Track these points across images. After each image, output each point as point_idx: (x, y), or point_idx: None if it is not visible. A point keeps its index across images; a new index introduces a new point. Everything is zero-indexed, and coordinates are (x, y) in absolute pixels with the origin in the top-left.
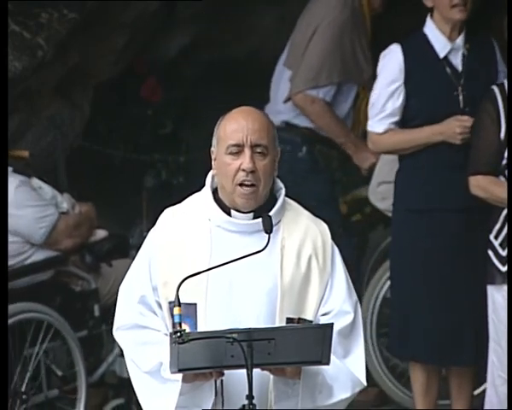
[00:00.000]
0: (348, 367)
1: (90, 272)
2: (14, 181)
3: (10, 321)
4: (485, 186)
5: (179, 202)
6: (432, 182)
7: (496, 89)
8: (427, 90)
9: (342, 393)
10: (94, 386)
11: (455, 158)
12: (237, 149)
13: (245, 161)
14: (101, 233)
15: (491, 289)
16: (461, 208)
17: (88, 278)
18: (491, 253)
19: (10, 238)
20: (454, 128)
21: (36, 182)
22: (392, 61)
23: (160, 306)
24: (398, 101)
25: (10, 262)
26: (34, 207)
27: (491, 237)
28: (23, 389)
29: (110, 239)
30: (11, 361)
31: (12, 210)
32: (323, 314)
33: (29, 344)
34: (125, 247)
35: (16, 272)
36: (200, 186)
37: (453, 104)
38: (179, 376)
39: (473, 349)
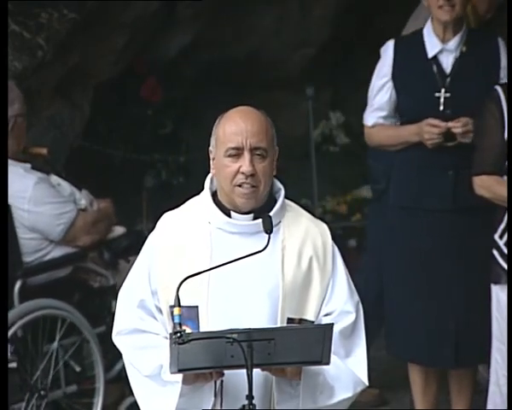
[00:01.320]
0: (350, 367)
1: (108, 269)
2: (32, 178)
3: (29, 317)
4: (489, 186)
5: (179, 202)
6: (415, 181)
7: (499, 89)
8: (412, 88)
9: (344, 393)
10: (112, 382)
11: (437, 158)
12: (236, 152)
13: (244, 164)
14: (119, 230)
15: (495, 289)
16: (441, 209)
17: (106, 275)
18: (495, 252)
19: (29, 235)
20: (423, 133)
21: (54, 179)
22: (384, 56)
23: (159, 310)
24: (385, 95)
25: (29, 259)
26: (53, 204)
27: (496, 236)
28: (41, 384)
29: (128, 236)
30: (29, 357)
31: (30, 207)
32: (326, 315)
33: (47, 340)
34: (143, 243)
35: (35, 268)
36: (200, 186)
37: (433, 105)
38: (179, 378)
39: (455, 352)
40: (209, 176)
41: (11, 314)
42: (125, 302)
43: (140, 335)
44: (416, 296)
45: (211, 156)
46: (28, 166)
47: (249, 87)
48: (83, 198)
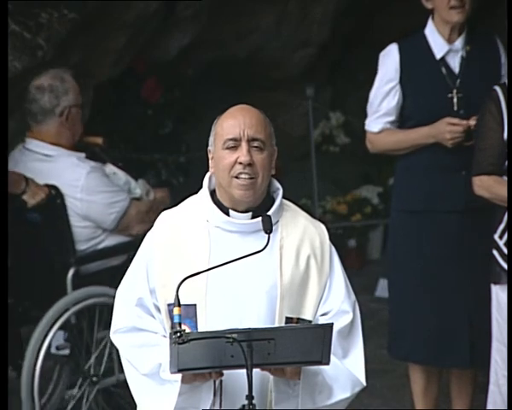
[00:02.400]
0: (347, 367)
1: None
2: (85, 167)
3: (81, 305)
4: (489, 186)
5: (179, 202)
6: (425, 183)
7: (498, 89)
8: (423, 90)
9: (342, 393)
10: None
11: (448, 159)
12: (234, 144)
13: (242, 153)
14: None
15: (495, 289)
16: (454, 210)
17: None
18: (495, 252)
19: (82, 223)
20: (444, 133)
21: (110, 168)
22: (388, 60)
23: (158, 309)
24: (393, 100)
25: (82, 247)
26: (105, 193)
27: (496, 236)
28: (94, 371)
29: None
30: (81, 344)
31: (83, 196)
32: (323, 314)
33: (101, 328)
34: None
35: (88, 256)
36: (200, 186)
37: (447, 106)
38: (178, 377)
39: (470, 352)
40: (207, 175)
41: (64, 301)
42: (123, 300)
43: (138, 333)
44: (424, 298)
45: (209, 156)
46: (83, 155)
47: (249, 87)
48: (138, 187)
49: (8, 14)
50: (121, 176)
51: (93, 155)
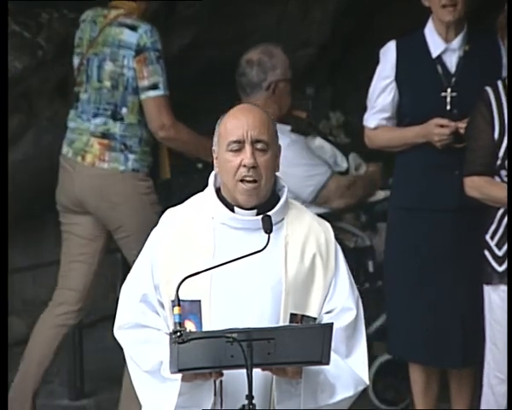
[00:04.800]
0: (350, 366)
1: (364, 231)
2: (285, 139)
3: None
4: (480, 187)
5: (180, 201)
6: (422, 181)
7: (489, 89)
8: (417, 88)
9: (345, 392)
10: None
11: (442, 159)
12: (238, 146)
13: (246, 156)
14: (381, 194)
15: (487, 290)
16: (448, 209)
17: (362, 236)
18: (487, 253)
19: None
20: (432, 134)
21: (319, 141)
22: (386, 57)
23: (162, 305)
24: (388, 97)
25: None
26: (303, 166)
27: (487, 237)
28: None
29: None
30: None
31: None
32: (327, 312)
33: None
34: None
35: None
36: (203, 185)
37: (440, 105)
38: (179, 375)
39: (463, 352)
40: (213, 172)
41: None
42: (127, 296)
43: (141, 329)
44: (419, 296)
45: (214, 156)
46: (287, 128)
47: None
48: (345, 161)
49: (8, 14)
50: (328, 149)
51: (299, 128)
